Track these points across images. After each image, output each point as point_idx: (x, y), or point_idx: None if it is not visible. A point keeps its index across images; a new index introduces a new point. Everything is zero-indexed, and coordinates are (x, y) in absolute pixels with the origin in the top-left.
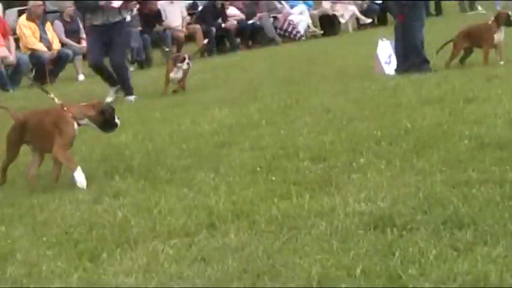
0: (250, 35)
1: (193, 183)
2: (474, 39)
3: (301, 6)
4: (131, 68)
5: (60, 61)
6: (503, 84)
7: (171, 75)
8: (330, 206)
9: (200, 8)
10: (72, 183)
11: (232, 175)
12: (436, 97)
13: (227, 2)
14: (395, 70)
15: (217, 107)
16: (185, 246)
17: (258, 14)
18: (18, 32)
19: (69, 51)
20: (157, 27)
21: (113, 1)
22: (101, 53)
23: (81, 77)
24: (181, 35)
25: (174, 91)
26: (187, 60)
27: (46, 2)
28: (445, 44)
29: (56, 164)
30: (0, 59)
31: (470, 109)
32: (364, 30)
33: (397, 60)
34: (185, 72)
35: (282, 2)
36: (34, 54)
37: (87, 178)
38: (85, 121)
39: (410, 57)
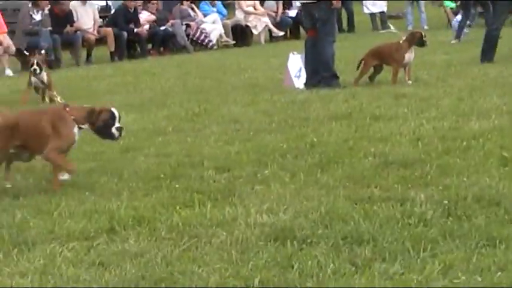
0: (162, 41)
1: (95, 187)
2: (384, 58)
3: (214, 15)
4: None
5: None
6: (410, 103)
7: (32, 78)
8: (231, 216)
9: (113, 11)
10: None
11: (135, 181)
12: (343, 113)
13: (140, 7)
14: (305, 84)
15: (124, 112)
16: (84, 250)
17: (171, 21)
18: None
19: None
20: (68, 28)
21: None
22: None
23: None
24: (92, 37)
25: (51, 100)
26: (34, 66)
27: None
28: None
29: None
30: None
31: (376, 126)
32: (276, 43)
33: (307, 75)
34: (47, 79)
35: (195, 9)
36: None
37: None
38: (86, 125)
39: (320, 71)
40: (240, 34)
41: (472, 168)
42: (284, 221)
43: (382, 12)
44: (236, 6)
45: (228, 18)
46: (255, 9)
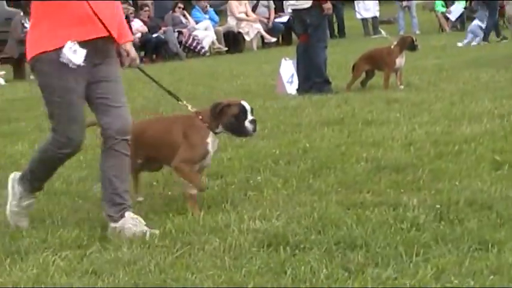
0: (154, 49)
1: (88, 195)
2: (376, 63)
3: (206, 22)
4: None
5: None
6: (402, 108)
7: None
8: (224, 223)
9: None
10: None
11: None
12: (335, 118)
13: (132, 14)
14: (297, 90)
15: None
16: (77, 259)
17: (163, 28)
18: None
19: None
20: None
21: None
22: None
23: None
24: None
25: None
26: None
27: None
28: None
29: None
30: None
31: (368, 132)
32: (268, 49)
33: (299, 80)
34: None
35: (187, 16)
36: None
37: None
38: (220, 128)
39: (312, 77)
40: (232, 41)
41: (464, 173)
42: (277, 227)
43: (374, 18)
44: (228, 13)
45: (220, 25)
46: (247, 15)
